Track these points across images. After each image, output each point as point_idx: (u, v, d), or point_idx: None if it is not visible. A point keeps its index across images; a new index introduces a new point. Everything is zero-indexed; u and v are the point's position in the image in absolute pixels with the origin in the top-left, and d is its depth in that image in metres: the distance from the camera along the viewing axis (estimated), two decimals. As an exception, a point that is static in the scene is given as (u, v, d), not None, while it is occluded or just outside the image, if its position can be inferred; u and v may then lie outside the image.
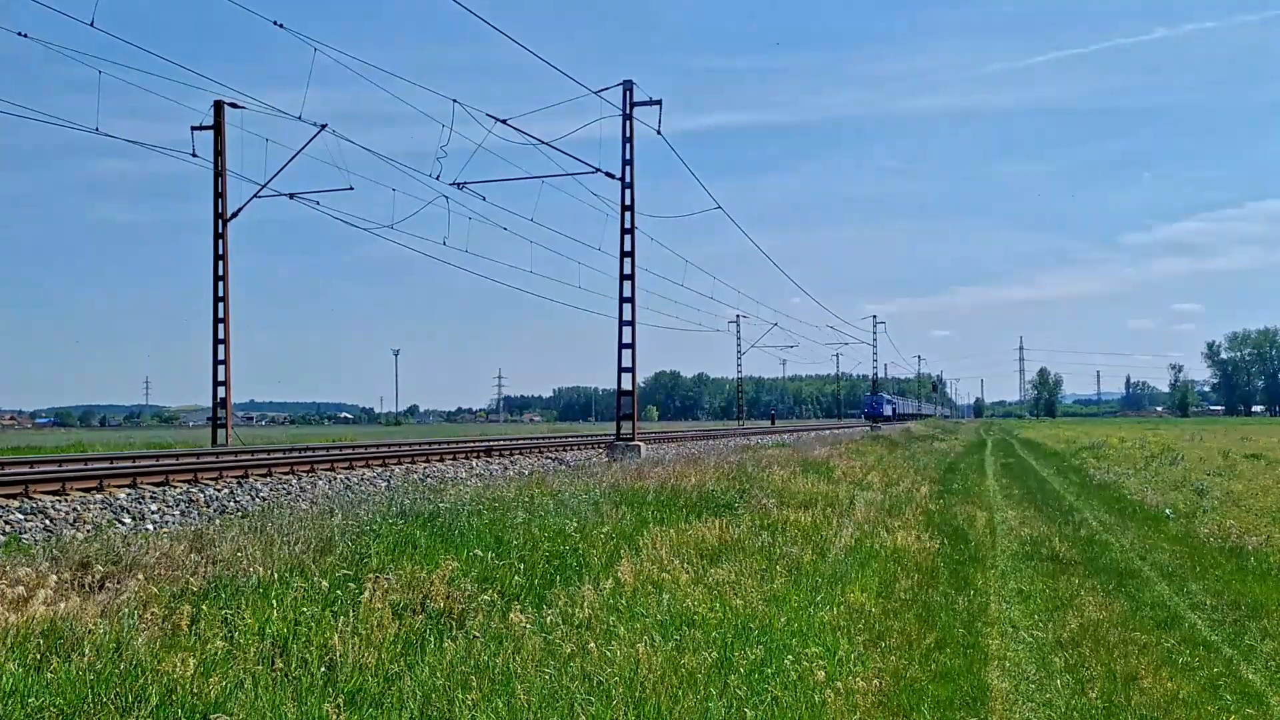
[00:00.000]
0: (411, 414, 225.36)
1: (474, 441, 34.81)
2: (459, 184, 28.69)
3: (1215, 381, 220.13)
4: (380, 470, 20.57)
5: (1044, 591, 9.76)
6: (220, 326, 30.86)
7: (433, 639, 6.14)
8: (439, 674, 5.48)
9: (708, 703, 5.27)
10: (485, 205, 34.01)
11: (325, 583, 6.86)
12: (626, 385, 27.93)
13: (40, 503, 13.21)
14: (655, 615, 6.94)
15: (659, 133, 27.51)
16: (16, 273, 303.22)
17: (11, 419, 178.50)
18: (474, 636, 6.28)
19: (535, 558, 8.48)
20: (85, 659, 5.14)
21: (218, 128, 30.54)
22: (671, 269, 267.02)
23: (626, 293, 27.49)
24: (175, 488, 15.55)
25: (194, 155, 29.68)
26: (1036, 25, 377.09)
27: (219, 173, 30.67)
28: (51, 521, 12.49)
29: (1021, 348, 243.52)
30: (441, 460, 23.94)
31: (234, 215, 30.96)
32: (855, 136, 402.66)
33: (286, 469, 18.99)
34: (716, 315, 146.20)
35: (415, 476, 19.54)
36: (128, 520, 13.13)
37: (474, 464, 23.99)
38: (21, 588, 6.44)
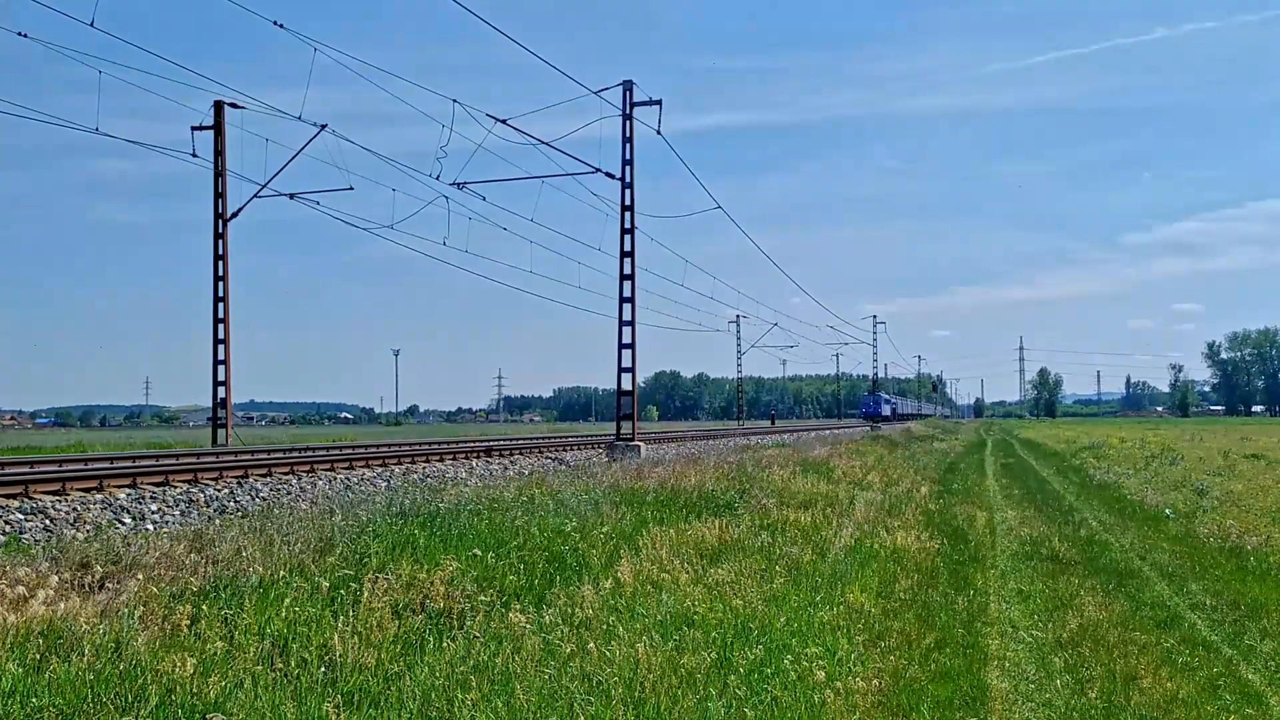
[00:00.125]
0: (411, 414, 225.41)
1: (474, 442, 34.81)
2: (459, 184, 28.73)
3: (1215, 381, 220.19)
4: (380, 470, 20.57)
5: (1044, 591, 9.76)
6: (220, 326, 30.87)
7: (432, 639, 6.14)
8: (438, 674, 5.48)
9: (707, 703, 5.27)
10: (485, 205, 34.06)
11: (325, 583, 6.86)
12: (626, 385, 27.94)
13: (40, 503, 13.21)
14: (655, 615, 6.94)
15: (659, 133, 27.56)
16: (16, 273, 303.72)
17: (11, 419, 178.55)
18: (473, 636, 6.28)
19: (535, 558, 8.48)
20: (85, 659, 5.14)
21: (218, 128, 30.55)
22: (671, 269, 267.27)
23: (626, 293, 27.50)
24: (175, 488, 15.56)
25: (194, 155, 29.74)
26: (1036, 25, 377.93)
27: (219, 173, 30.68)
28: (51, 521, 12.49)
29: (1021, 348, 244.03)
30: (441, 460, 23.94)
31: (234, 215, 30.98)
32: (855, 136, 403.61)
33: (286, 469, 18.99)
34: (716, 315, 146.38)
35: (415, 477, 19.54)
36: (128, 520, 13.14)
37: (474, 464, 23.99)
38: (21, 588, 6.44)
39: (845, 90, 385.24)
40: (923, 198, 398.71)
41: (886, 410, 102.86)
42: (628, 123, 27.41)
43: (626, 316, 27.54)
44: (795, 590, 8.27)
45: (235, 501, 15.45)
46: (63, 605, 6.13)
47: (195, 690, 4.89)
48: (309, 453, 25.83)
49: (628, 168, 27.43)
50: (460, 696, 5.15)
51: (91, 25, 19.68)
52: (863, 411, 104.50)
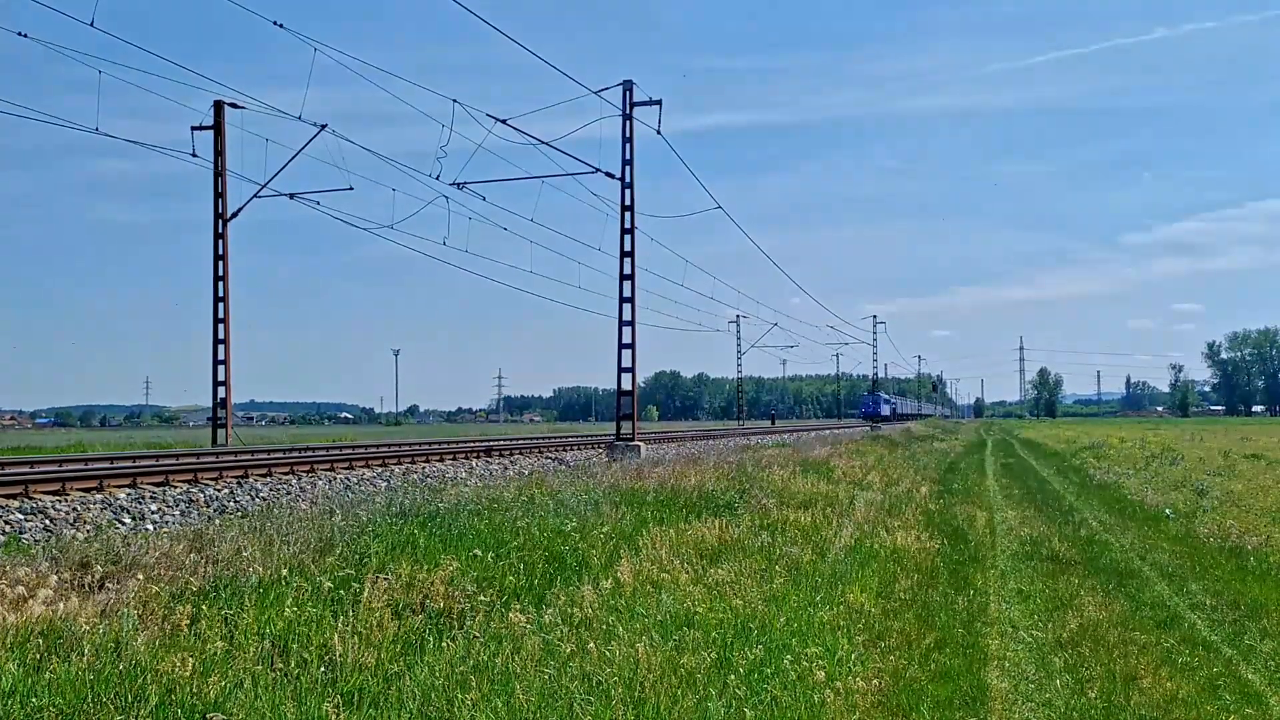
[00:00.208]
0: (411, 414, 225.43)
1: (474, 441, 34.81)
2: (459, 184, 28.73)
3: (1215, 381, 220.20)
4: (380, 470, 20.57)
5: (1044, 591, 9.76)
6: (220, 326, 30.87)
7: (432, 639, 6.14)
8: (438, 674, 5.48)
9: (707, 703, 5.27)
10: (485, 205, 34.06)
11: (325, 583, 6.86)
12: (626, 385, 27.94)
13: (40, 503, 13.21)
14: (655, 615, 6.93)
15: (659, 133, 27.55)
16: (16, 273, 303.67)
17: (11, 419, 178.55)
18: (473, 636, 6.28)
19: (535, 558, 8.48)
20: (85, 659, 5.14)
21: (218, 128, 30.55)
22: (671, 269, 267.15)
23: (626, 293, 27.51)
24: (175, 488, 15.56)
25: (194, 155, 29.74)
26: (1036, 25, 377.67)
27: (219, 173, 30.68)
28: (51, 521, 12.49)
29: (1021, 348, 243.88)
30: (441, 460, 23.94)
31: (234, 215, 30.98)
32: (855, 136, 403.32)
33: (286, 469, 18.99)
34: (716, 315, 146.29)
35: (415, 477, 19.55)
36: (128, 520, 13.14)
37: (474, 464, 23.99)
38: (21, 588, 6.44)
39: (845, 90, 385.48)
40: (923, 198, 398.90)
41: (886, 410, 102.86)
42: (628, 123, 27.42)
43: (626, 316, 27.55)
44: (795, 590, 8.27)
45: (235, 501, 15.45)
46: (63, 605, 6.14)
47: (195, 690, 4.89)
48: (309, 453, 25.83)
49: (628, 168, 27.44)
50: (460, 696, 5.15)
51: (91, 25, 19.71)
52: (863, 411, 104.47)
